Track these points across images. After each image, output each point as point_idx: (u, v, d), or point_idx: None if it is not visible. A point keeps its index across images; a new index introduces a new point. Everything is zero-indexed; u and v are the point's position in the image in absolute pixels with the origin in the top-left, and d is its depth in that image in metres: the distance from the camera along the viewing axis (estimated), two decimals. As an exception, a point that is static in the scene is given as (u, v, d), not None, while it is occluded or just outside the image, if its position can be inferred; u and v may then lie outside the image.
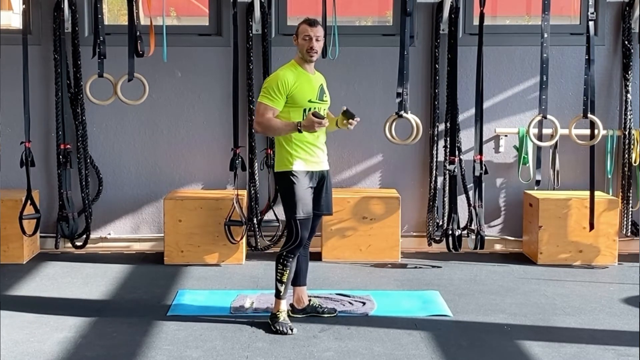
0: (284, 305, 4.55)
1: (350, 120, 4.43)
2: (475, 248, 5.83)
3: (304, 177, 4.45)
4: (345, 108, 4.46)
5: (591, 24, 5.57)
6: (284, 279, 4.50)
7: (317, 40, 4.44)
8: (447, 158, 6.21)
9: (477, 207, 5.84)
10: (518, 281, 5.58)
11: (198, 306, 4.90)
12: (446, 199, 6.31)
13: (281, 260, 4.50)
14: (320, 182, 4.57)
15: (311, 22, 4.49)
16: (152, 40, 5.80)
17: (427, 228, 6.47)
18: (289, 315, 4.59)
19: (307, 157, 4.47)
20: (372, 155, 6.51)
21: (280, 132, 4.46)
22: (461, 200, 6.23)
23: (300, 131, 4.32)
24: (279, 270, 4.51)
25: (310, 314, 4.69)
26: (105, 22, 5.91)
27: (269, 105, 4.41)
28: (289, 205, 4.47)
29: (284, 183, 4.48)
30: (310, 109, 4.42)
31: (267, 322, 4.50)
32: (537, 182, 6.08)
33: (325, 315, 4.68)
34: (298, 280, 4.70)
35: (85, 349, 4.18)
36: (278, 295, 4.53)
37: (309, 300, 4.74)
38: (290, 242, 4.47)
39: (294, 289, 4.71)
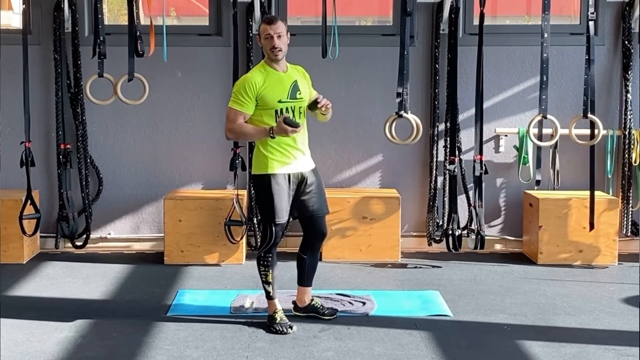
0: (278, 305, 4.53)
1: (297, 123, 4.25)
2: (475, 248, 5.82)
3: (282, 180, 4.38)
4: (286, 116, 4.29)
5: (591, 24, 5.57)
6: (269, 279, 4.48)
7: (278, 37, 4.31)
8: (447, 158, 6.21)
9: (477, 207, 5.83)
10: (518, 281, 5.58)
11: (198, 306, 4.90)
12: (446, 199, 6.31)
13: (261, 262, 4.49)
14: (302, 183, 4.47)
15: (269, 20, 4.35)
16: (152, 40, 5.80)
17: (427, 228, 6.47)
18: (291, 312, 4.59)
19: (284, 159, 4.38)
20: (372, 155, 6.50)
21: (252, 138, 4.47)
22: (461, 200, 6.22)
23: (272, 137, 4.26)
24: (262, 272, 4.49)
25: (311, 313, 4.68)
26: (105, 22, 5.90)
27: (238, 111, 4.32)
28: (266, 208, 4.42)
29: (261, 186, 4.40)
30: (281, 110, 4.35)
31: (266, 324, 4.50)
32: (537, 182, 6.07)
33: (326, 317, 4.66)
34: (302, 280, 4.68)
35: (85, 349, 4.18)
36: (268, 296, 4.52)
37: (311, 300, 4.72)
38: (265, 244, 4.45)
39: (298, 289, 4.71)
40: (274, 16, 4.43)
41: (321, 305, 4.70)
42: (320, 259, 6.01)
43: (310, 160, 4.55)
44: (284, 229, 4.51)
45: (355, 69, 6.42)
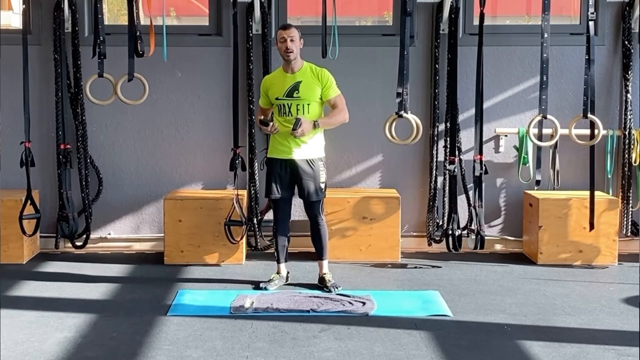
0: (281, 269, 5.39)
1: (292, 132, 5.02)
2: (475, 248, 5.82)
3: (273, 163, 5.24)
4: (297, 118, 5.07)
5: (591, 24, 5.57)
6: (276, 246, 5.40)
7: (291, 40, 5.08)
8: (447, 158, 6.21)
9: (477, 207, 5.83)
10: (518, 281, 5.58)
11: (198, 306, 4.91)
12: (446, 199, 6.31)
13: (272, 232, 5.49)
14: (295, 170, 5.17)
15: (284, 26, 5.18)
16: (152, 40, 5.80)
17: (427, 228, 6.47)
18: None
19: (277, 146, 5.20)
20: (372, 155, 6.51)
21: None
22: (461, 200, 6.23)
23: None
24: (273, 240, 5.49)
25: (319, 284, 5.34)
26: (105, 22, 5.89)
27: (259, 104, 5.39)
28: (265, 185, 5.34)
29: (266, 167, 5.37)
30: (278, 105, 5.17)
31: (267, 322, 4.52)
32: (537, 182, 6.08)
33: (325, 290, 5.22)
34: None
35: (85, 349, 4.18)
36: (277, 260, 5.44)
37: (324, 274, 5.37)
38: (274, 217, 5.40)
39: None
40: (289, 24, 5.25)
41: (329, 280, 5.31)
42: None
43: (307, 151, 5.18)
44: (285, 207, 5.30)
45: (355, 69, 6.42)
